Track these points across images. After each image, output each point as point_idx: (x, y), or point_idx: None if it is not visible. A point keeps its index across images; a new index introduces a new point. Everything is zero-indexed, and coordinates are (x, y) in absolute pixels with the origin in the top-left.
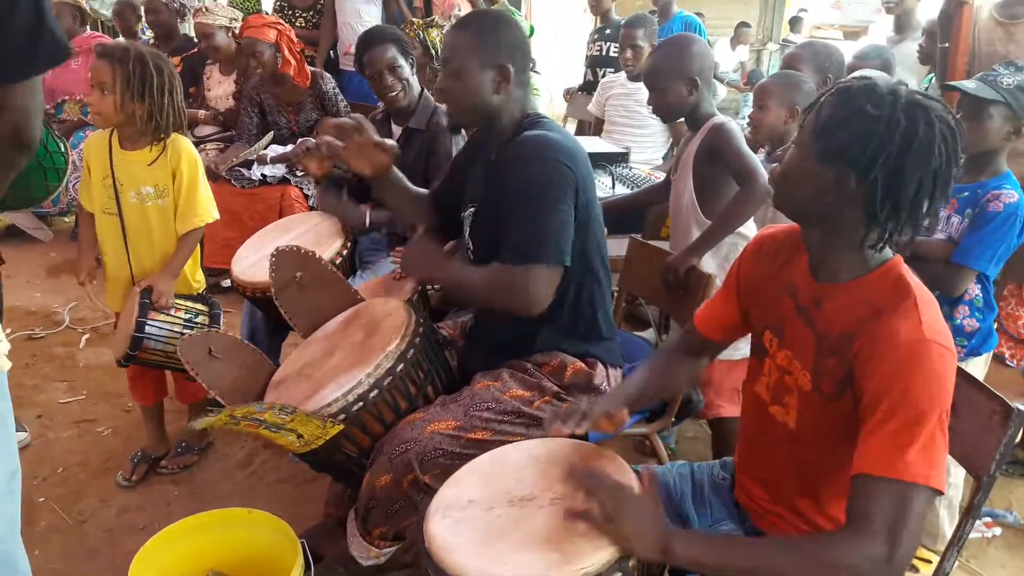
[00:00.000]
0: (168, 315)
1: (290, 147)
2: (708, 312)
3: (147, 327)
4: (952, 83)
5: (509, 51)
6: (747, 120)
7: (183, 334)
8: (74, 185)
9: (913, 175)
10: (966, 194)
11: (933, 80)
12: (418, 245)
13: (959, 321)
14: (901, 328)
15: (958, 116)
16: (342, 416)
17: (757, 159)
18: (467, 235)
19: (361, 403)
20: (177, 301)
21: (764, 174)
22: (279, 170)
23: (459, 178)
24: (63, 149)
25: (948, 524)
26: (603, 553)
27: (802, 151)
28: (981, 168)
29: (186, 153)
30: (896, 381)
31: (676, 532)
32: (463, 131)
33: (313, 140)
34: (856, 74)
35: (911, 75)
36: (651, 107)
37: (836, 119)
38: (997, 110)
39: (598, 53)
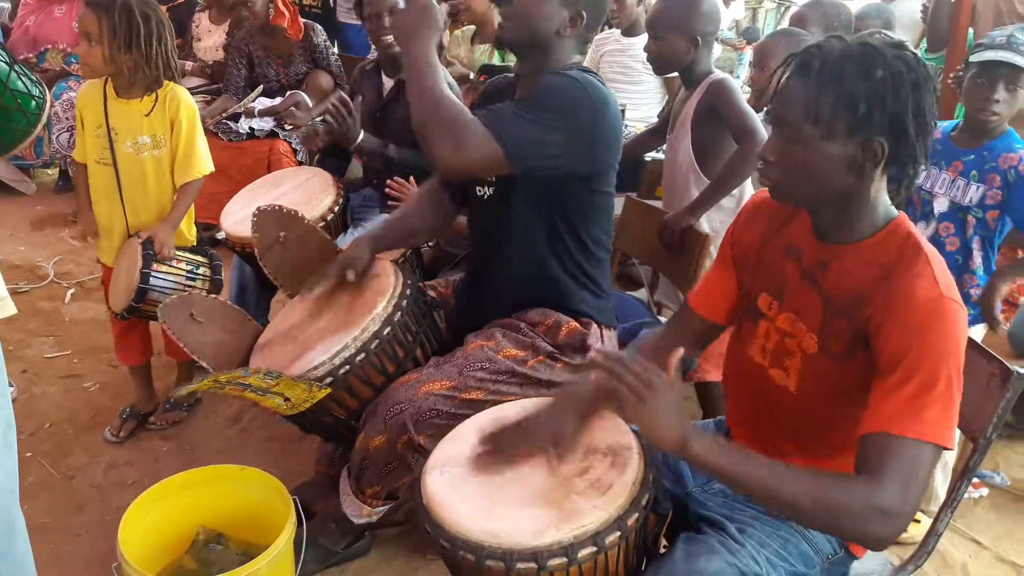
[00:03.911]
0: (171, 266)
1: (279, 100)
2: (703, 290)
3: (151, 278)
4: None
5: (592, 3)
6: (745, 81)
7: (187, 286)
8: (57, 137)
9: (929, 108)
10: (972, 157)
11: None
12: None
13: (967, 290)
14: (918, 287)
15: (977, 83)
16: (329, 379)
17: (757, 117)
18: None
19: (347, 366)
20: (178, 253)
21: (763, 132)
22: (267, 123)
23: None
24: (38, 93)
25: (942, 485)
26: (602, 512)
27: (804, 141)
28: (984, 132)
29: (185, 103)
30: (915, 340)
31: (695, 430)
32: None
33: (303, 94)
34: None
35: (908, 33)
36: (647, 54)
37: (841, 97)
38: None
39: None
